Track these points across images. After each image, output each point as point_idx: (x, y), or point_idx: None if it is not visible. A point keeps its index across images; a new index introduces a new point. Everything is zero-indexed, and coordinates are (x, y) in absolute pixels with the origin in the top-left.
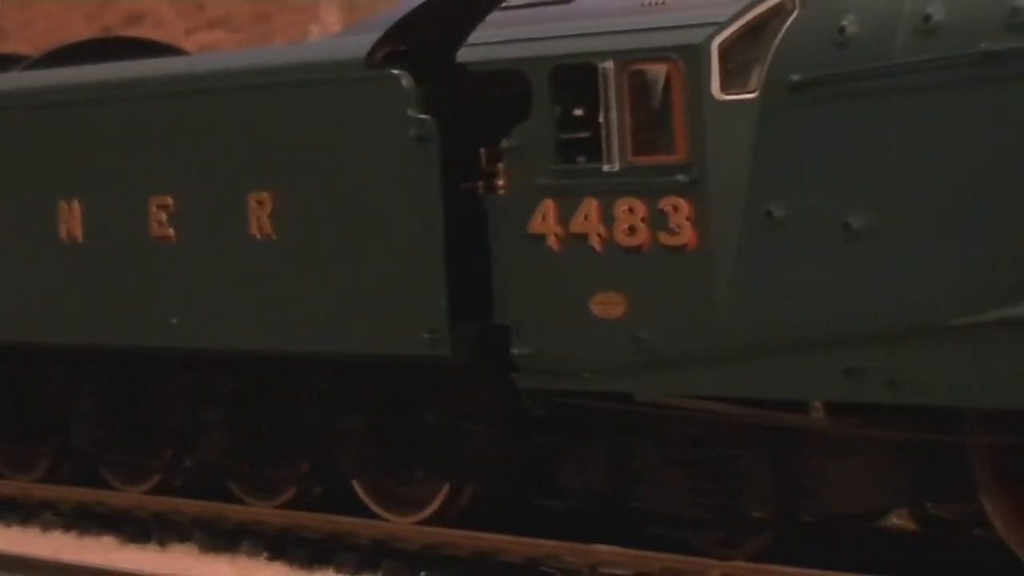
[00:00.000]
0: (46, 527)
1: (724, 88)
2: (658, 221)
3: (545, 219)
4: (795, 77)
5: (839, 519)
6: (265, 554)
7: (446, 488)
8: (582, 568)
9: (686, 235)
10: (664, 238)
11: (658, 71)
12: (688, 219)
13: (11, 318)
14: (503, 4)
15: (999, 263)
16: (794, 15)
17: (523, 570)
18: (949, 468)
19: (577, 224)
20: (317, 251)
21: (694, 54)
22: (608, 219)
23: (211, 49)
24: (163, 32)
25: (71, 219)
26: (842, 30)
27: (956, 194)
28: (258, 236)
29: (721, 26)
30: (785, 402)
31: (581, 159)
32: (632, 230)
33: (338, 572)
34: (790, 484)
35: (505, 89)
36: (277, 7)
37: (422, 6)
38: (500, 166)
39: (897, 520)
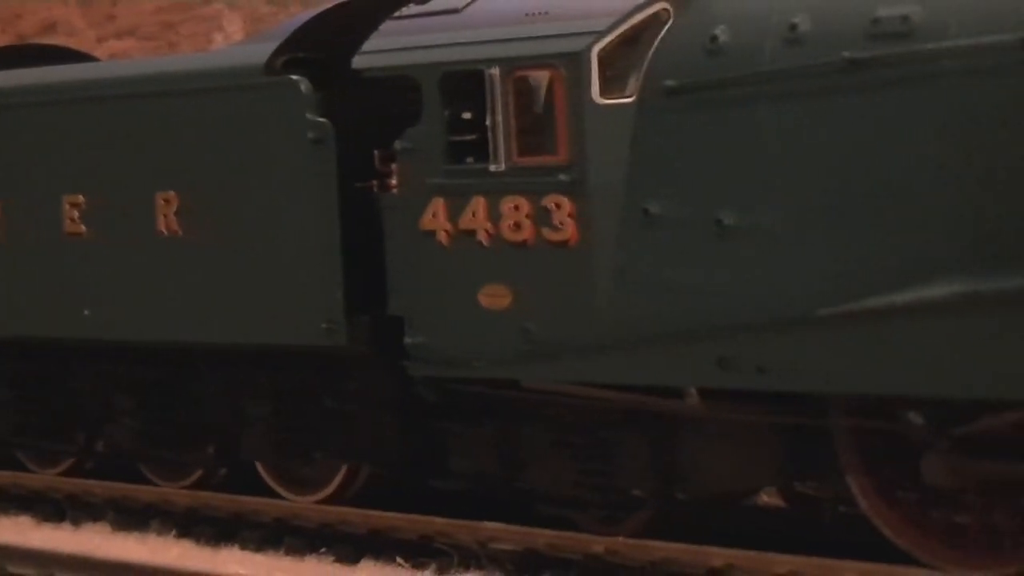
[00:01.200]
0: None
1: (603, 93)
2: (542, 218)
3: (435, 216)
4: (670, 83)
5: (713, 497)
6: (174, 532)
7: (344, 469)
8: (472, 544)
9: (568, 231)
10: (547, 234)
11: (541, 77)
12: (570, 216)
13: None
14: (396, 14)
15: (860, 258)
16: (669, 24)
17: (416, 546)
18: (815, 449)
19: (466, 221)
20: (221, 247)
21: (575, 61)
22: (495, 216)
23: (121, 56)
24: (75, 40)
25: None
26: (714, 39)
27: (821, 194)
28: (165, 233)
29: (600, 35)
30: (662, 388)
31: (469, 160)
32: (517, 226)
33: (243, 549)
34: (667, 465)
35: (398, 94)
36: (183, 17)
37: (319, 16)
38: (393, 166)
39: (767, 498)
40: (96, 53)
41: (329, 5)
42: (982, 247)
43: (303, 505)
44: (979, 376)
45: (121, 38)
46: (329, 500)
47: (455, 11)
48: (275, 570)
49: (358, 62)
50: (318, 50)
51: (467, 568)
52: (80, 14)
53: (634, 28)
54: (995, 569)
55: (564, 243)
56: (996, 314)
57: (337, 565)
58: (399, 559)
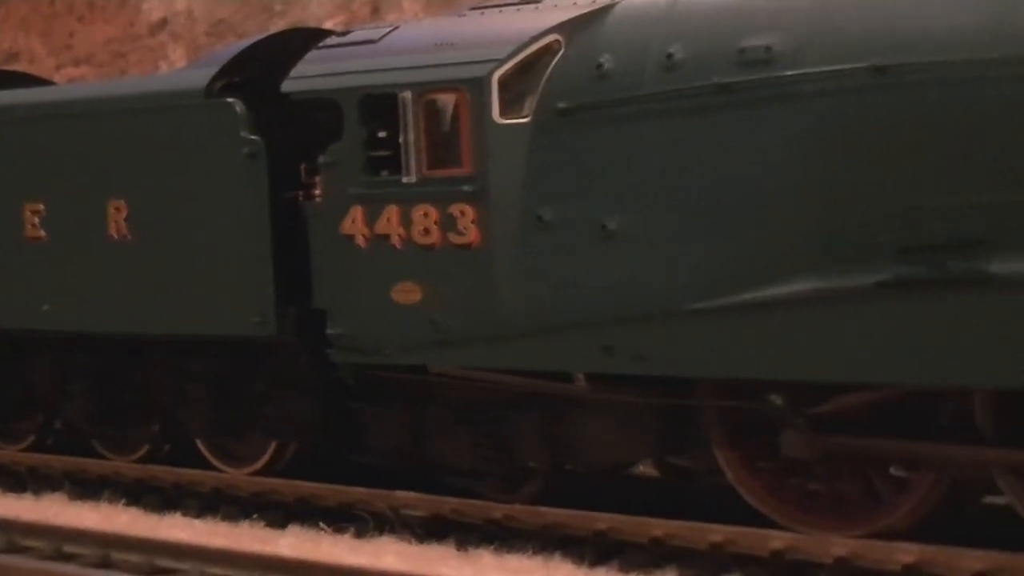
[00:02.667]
0: None
1: (503, 114)
2: (448, 223)
3: (354, 222)
4: (562, 105)
5: (597, 468)
6: (123, 501)
7: (273, 445)
8: (386, 511)
9: (471, 235)
10: (453, 237)
11: (448, 99)
12: (473, 222)
13: None
14: (320, 44)
15: (728, 258)
16: (560, 53)
17: (337, 513)
18: (687, 427)
19: (381, 226)
20: (166, 249)
21: (478, 85)
22: (407, 222)
23: (77, 81)
24: (36, 67)
25: None
26: (600, 66)
27: (694, 202)
28: (116, 237)
29: (500, 62)
30: (553, 373)
31: (384, 172)
32: (427, 231)
33: (184, 516)
34: (557, 440)
35: (322, 114)
36: (132, 47)
37: (252, 45)
38: (317, 178)
39: (644, 469)
40: (55, 78)
41: (260, 36)
42: (831, 249)
43: (237, 477)
44: (829, 362)
45: (77, 65)
46: (260, 472)
47: (372, 41)
48: (213, 535)
49: (287, 86)
50: (251, 75)
51: (382, 532)
52: (40, 44)
53: (530, 56)
54: (842, 530)
55: (468, 246)
56: (842, 308)
57: (267, 529)
58: (322, 524)
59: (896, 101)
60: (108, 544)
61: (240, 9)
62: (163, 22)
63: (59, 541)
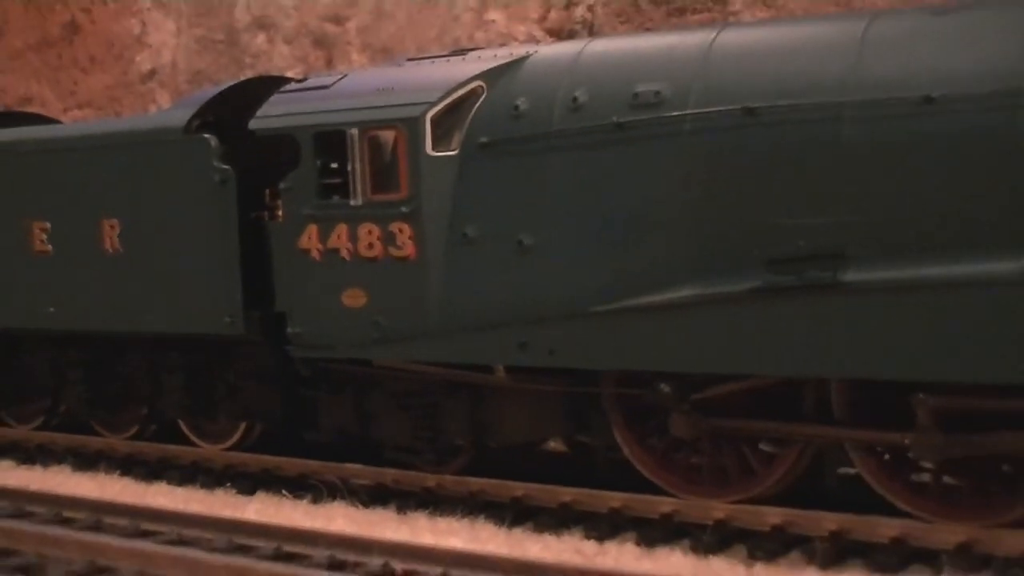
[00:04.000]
0: None
1: (434, 147)
2: (388, 239)
3: (310, 238)
4: (483, 140)
5: (514, 445)
6: (117, 472)
7: (242, 426)
8: (337, 480)
9: (408, 249)
10: (393, 251)
11: (388, 135)
12: (409, 238)
13: None
14: (281, 89)
15: (623, 269)
16: (483, 97)
17: (296, 482)
18: (591, 410)
19: (332, 241)
20: (152, 260)
21: (413, 124)
22: (354, 238)
23: (80, 120)
24: (46, 109)
25: None
26: (516, 107)
27: (596, 221)
28: (110, 250)
29: (432, 104)
30: (477, 365)
31: (335, 196)
32: (371, 245)
33: (168, 484)
34: (481, 421)
35: (282, 147)
36: (125, 93)
37: (224, 90)
38: (279, 201)
39: (554, 445)
40: (62, 119)
41: (231, 83)
42: (710, 261)
43: (213, 451)
44: (709, 356)
45: (81, 108)
46: (232, 448)
47: (325, 87)
48: (191, 500)
49: (253, 124)
50: (223, 115)
51: (333, 499)
52: (50, 90)
53: (457, 99)
54: (721, 497)
55: (405, 258)
56: (719, 310)
57: (237, 497)
58: (283, 492)
59: (764, 137)
60: (100, 510)
61: (216, 61)
62: (152, 72)
63: (59, 507)
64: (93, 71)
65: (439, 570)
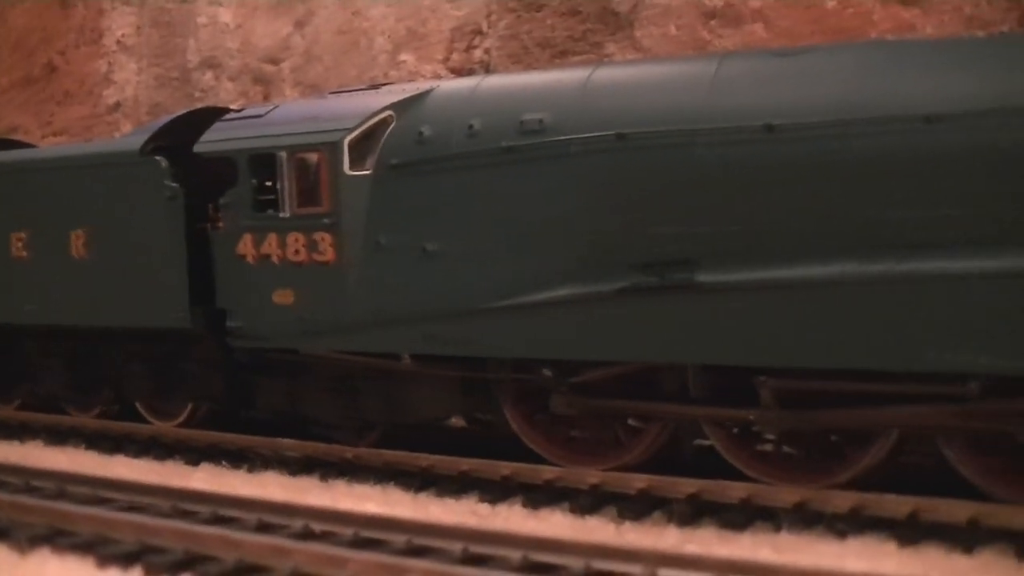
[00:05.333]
0: None
1: (351, 167)
2: (312, 246)
3: (246, 245)
4: (394, 161)
5: (423, 422)
6: (84, 446)
7: (190, 406)
8: (271, 452)
9: (329, 255)
10: (316, 256)
11: (312, 157)
12: (330, 245)
13: None
14: (222, 118)
15: (512, 272)
16: (393, 125)
17: (237, 454)
18: (485, 392)
19: (265, 248)
20: (113, 265)
21: (334, 147)
22: (283, 245)
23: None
24: (29, 136)
25: None
26: (420, 134)
27: (489, 231)
28: (77, 256)
29: (350, 130)
30: (389, 354)
31: (268, 210)
32: (297, 252)
33: (127, 456)
34: (393, 402)
35: (223, 168)
36: (95, 122)
37: (174, 119)
38: (220, 214)
39: (456, 422)
40: (41, 144)
41: (180, 113)
42: (585, 265)
43: (166, 428)
44: (584, 345)
45: (57, 136)
46: (182, 425)
47: (260, 116)
48: (146, 471)
49: (198, 148)
50: (173, 140)
51: (267, 468)
52: (32, 120)
53: (371, 127)
54: (595, 465)
55: (326, 262)
56: (593, 307)
57: (186, 467)
58: (225, 462)
59: (633, 159)
60: (64, 479)
61: (171, 95)
62: (117, 104)
63: (28, 477)
64: (68, 104)
65: (351, 531)
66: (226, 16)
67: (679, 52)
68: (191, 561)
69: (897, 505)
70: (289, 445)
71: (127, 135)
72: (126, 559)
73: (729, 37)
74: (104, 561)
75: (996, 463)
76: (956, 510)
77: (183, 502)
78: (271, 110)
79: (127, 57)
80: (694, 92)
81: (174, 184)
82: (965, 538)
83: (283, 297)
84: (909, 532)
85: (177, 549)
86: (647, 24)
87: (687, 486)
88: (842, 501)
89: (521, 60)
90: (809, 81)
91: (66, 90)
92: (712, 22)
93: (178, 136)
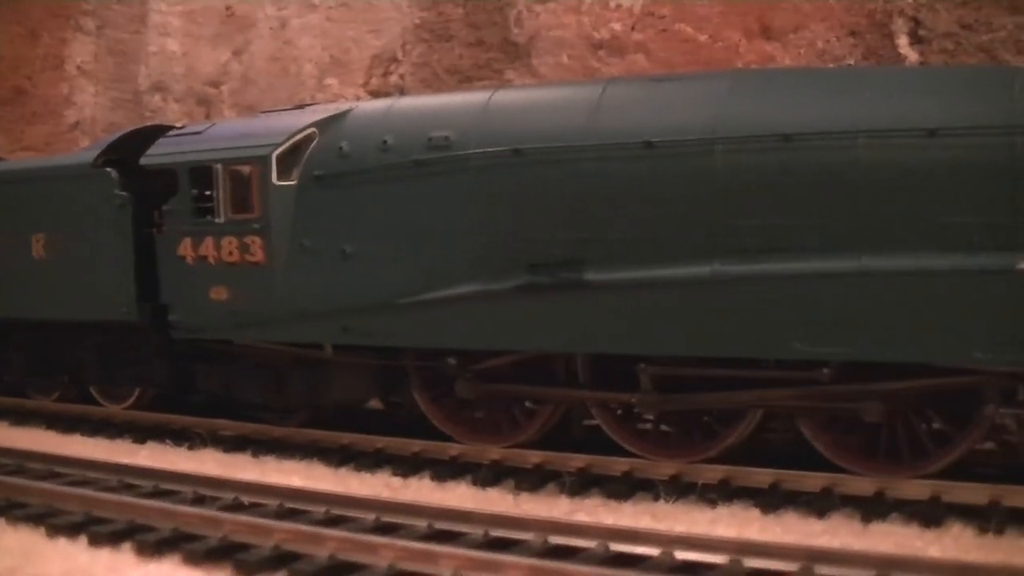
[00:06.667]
0: None
1: (279, 178)
2: (244, 248)
3: (186, 247)
4: (317, 173)
5: (342, 405)
6: (44, 426)
7: (138, 390)
8: (209, 432)
9: (259, 256)
10: (248, 257)
11: (245, 169)
12: (260, 248)
13: None
14: (165, 135)
15: (420, 271)
16: (316, 140)
17: (179, 433)
18: (398, 378)
19: (202, 250)
20: (70, 265)
21: (263, 160)
22: (218, 247)
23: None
24: (1, 152)
25: None
26: (341, 148)
27: (400, 236)
28: (38, 257)
29: (278, 145)
30: (312, 344)
31: (205, 216)
32: (231, 253)
33: (82, 435)
34: (316, 386)
35: (166, 178)
36: (58, 139)
37: (124, 135)
38: (163, 220)
39: (373, 404)
40: (8, 158)
41: (128, 130)
42: (486, 265)
43: (116, 411)
44: (485, 336)
45: (25, 151)
46: (130, 407)
47: (199, 132)
48: (100, 449)
49: (143, 161)
50: (122, 154)
51: (205, 445)
52: (3, 137)
53: (296, 142)
54: (495, 443)
55: (257, 263)
56: (493, 303)
57: (133, 444)
58: (168, 441)
59: (527, 172)
60: (22, 456)
61: (125, 115)
62: (77, 123)
63: None
64: (34, 123)
65: (277, 502)
66: (173, 45)
67: (570, 78)
68: (132, 531)
69: (761, 476)
70: (225, 425)
71: (82, 150)
72: (73, 529)
73: (615, 65)
74: (54, 531)
75: (846, 439)
76: (811, 481)
77: (128, 476)
78: (209, 127)
79: (86, 81)
80: (582, 113)
81: (123, 193)
82: (819, 505)
83: (218, 294)
84: (771, 500)
85: (120, 519)
86: (543, 53)
87: (577, 461)
88: (713, 473)
89: (432, 84)
90: (683, 104)
91: (33, 111)
92: (600, 52)
93: (127, 150)
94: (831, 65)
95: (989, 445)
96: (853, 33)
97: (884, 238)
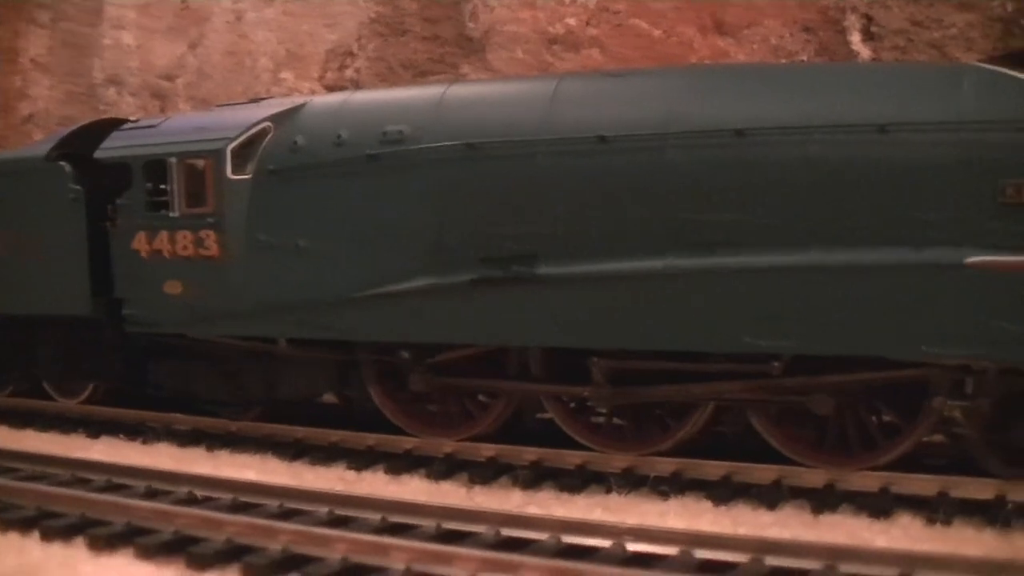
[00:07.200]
0: None
1: (234, 172)
2: (199, 243)
3: (140, 242)
4: (271, 167)
5: (298, 399)
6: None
7: (92, 385)
8: (163, 426)
9: (213, 250)
10: (202, 251)
11: (199, 163)
12: (215, 242)
13: None
14: (119, 128)
15: (374, 265)
16: (270, 135)
17: (134, 428)
18: (352, 371)
19: (156, 244)
20: (28, 259)
21: (218, 154)
22: (173, 241)
23: None
24: None
25: None
26: (295, 143)
27: (354, 230)
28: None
29: (232, 139)
30: (267, 338)
31: (160, 210)
32: (185, 247)
33: (35, 431)
34: (271, 380)
35: (120, 172)
36: (11, 132)
37: (77, 129)
38: (118, 214)
39: (327, 398)
40: None
41: (82, 123)
42: (440, 259)
43: (70, 405)
44: (438, 330)
45: None
46: (85, 402)
47: (153, 126)
48: (53, 444)
49: (98, 154)
50: (76, 148)
51: (160, 440)
52: None
53: (251, 136)
54: (449, 436)
55: (212, 257)
56: (447, 297)
57: (87, 439)
58: (122, 435)
59: (481, 166)
60: None
61: (80, 108)
62: (31, 116)
63: None
64: None
65: (230, 496)
66: (128, 38)
67: (525, 73)
68: (85, 525)
69: (712, 469)
70: (179, 419)
71: (36, 143)
72: (25, 523)
73: (569, 60)
74: (6, 526)
75: (796, 432)
76: (762, 473)
77: (81, 471)
78: (163, 121)
79: (40, 74)
80: (536, 108)
81: (77, 187)
82: (770, 497)
83: (173, 288)
84: (722, 492)
85: (73, 514)
86: (497, 48)
87: (530, 454)
88: (665, 466)
89: (387, 79)
90: (637, 99)
91: None
92: (555, 47)
93: (81, 144)
94: (784, 61)
95: (938, 437)
96: (807, 29)
97: (835, 233)
